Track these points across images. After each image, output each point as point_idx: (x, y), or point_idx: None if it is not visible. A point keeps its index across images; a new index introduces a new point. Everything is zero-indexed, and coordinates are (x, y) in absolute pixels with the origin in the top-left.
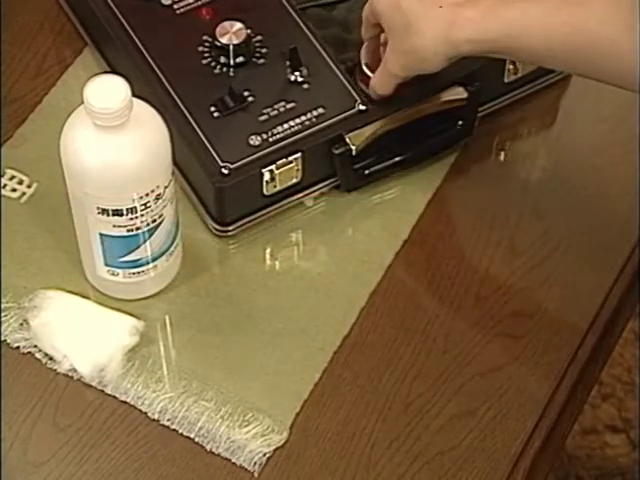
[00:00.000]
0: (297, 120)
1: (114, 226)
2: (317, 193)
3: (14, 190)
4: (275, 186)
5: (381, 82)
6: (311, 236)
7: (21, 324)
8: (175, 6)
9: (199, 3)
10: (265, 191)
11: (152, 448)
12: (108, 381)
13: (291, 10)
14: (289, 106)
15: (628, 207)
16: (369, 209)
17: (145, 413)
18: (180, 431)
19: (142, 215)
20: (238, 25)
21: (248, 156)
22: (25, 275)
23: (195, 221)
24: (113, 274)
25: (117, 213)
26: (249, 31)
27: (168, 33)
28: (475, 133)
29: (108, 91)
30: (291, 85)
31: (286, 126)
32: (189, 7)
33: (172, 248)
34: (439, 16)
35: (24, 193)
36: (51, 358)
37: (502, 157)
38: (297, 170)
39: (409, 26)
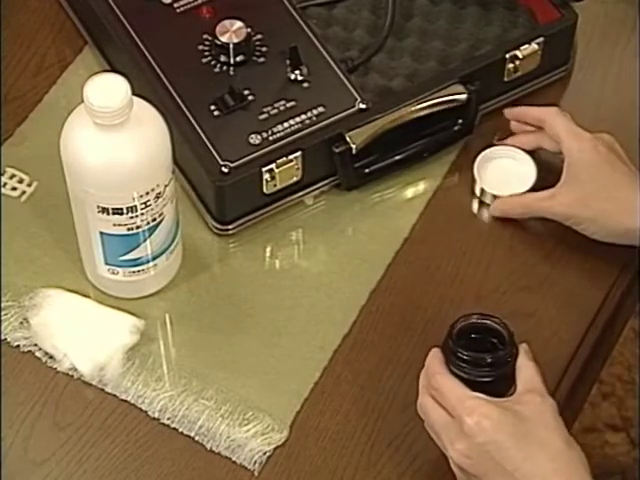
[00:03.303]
0: (297, 119)
1: (114, 225)
2: (317, 192)
3: (14, 189)
4: (275, 185)
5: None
6: (311, 235)
7: (21, 323)
8: (175, 5)
9: (199, 2)
10: (265, 190)
11: (152, 447)
12: (108, 380)
13: (291, 9)
14: (289, 105)
15: None
16: (369, 208)
17: (145, 412)
18: (180, 430)
19: (142, 214)
20: (238, 24)
21: (248, 155)
22: (25, 274)
23: (195, 220)
24: (113, 273)
25: (117, 212)
26: (249, 30)
27: (168, 32)
28: (475, 132)
29: (108, 90)
30: (291, 84)
31: (286, 125)
32: (189, 6)
33: (172, 247)
34: None
35: (24, 192)
36: (51, 357)
37: None
38: (297, 169)
39: None
